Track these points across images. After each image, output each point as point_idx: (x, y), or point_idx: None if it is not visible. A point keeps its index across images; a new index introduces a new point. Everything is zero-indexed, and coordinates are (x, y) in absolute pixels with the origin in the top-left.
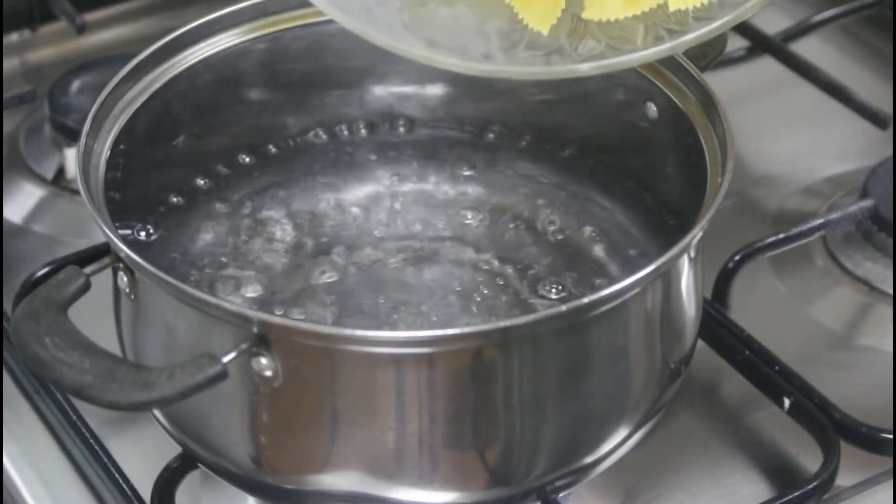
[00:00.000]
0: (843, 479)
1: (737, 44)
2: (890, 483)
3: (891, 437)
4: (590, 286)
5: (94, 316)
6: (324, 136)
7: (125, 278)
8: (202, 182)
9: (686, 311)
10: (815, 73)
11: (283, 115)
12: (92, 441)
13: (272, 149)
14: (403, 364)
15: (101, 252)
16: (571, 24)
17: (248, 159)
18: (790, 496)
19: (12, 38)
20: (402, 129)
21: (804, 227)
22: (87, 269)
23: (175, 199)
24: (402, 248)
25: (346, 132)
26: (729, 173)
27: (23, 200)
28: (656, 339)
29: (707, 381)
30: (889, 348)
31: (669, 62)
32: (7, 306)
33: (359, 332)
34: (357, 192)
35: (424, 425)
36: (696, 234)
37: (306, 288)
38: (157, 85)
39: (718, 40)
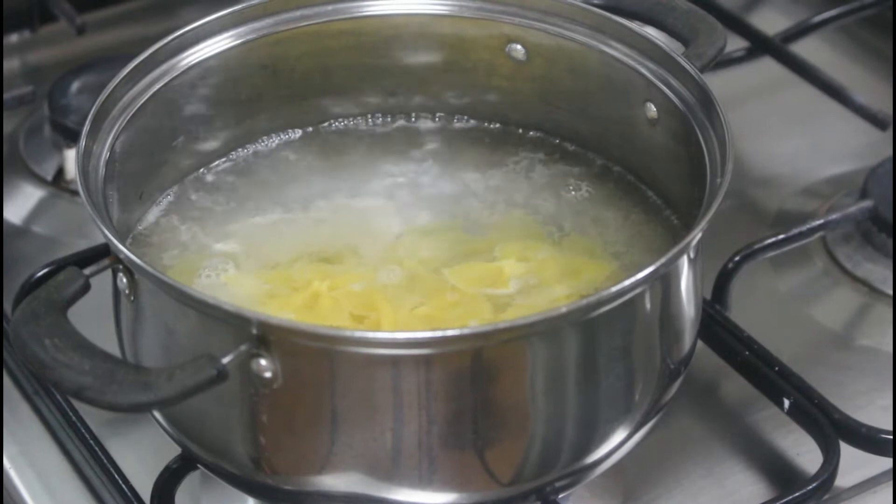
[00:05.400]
0: (843, 480)
1: (736, 44)
2: (890, 484)
3: (891, 437)
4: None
5: (93, 317)
6: (323, 136)
7: (125, 279)
8: (202, 182)
9: (686, 312)
10: (814, 74)
11: (283, 116)
12: (92, 442)
13: (272, 148)
14: (402, 365)
15: (101, 253)
16: None
17: (247, 159)
18: (790, 497)
19: (12, 38)
20: (400, 128)
21: (804, 228)
22: (87, 271)
23: (173, 199)
24: (404, 236)
25: (345, 132)
26: (728, 174)
27: (23, 201)
28: (656, 339)
29: (707, 381)
30: (889, 349)
31: (669, 62)
32: (7, 307)
33: (358, 333)
34: (358, 191)
35: (423, 426)
36: (695, 235)
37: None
38: (157, 86)
39: (718, 40)
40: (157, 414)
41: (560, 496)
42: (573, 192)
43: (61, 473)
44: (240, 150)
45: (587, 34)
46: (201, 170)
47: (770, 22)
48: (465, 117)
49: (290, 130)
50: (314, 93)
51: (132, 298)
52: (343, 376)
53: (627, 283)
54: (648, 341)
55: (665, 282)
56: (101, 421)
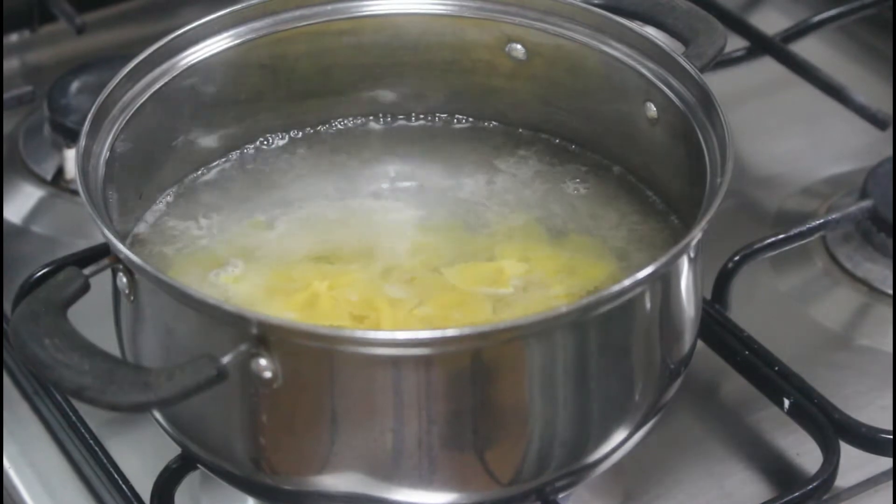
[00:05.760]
0: (843, 480)
1: (736, 44)
2: (890, 484)
3: (890, 437)
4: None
5: (93, 317)
6: (323, 136)
7: (124, 279)
8: (201, 182)
9: (686, 312)
10: (814, 74)
11: (282, 116)
12: (91, 442)
13: (272, 148)
14: (402, 365)
15: (101, 253)
16: None
17: (247, 159)
18: (790, 497)
19: (12, 38)
20: (400, 128)
21: (804, 228)
22: (87, 270)
23: (173, 199)
24: (404, 236)
25: (344, 132)
26: (728, 174)
27: (22, 201)
28: (656, 339)
29: (707, 381)
30: (889, 349)
31: (669, 62)
32: (7, 307)
33: (358, 333)
34: (358, 190)
35: (423, 426)
36: (695, 235)
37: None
38: (157, 86)
39: (718, 39)
40: (156, 414)
41: (560, 496)
42: (573, 192)
43: (61, 473)
44: (239, 149)
45: (587, 34)
46: (201, 170)
47: (770, 22)
48: (465, 117)
49: (289, 130)
50: (314, 93)
51: (132, 298)
52: (343, 376)
53: (627, 283)
54: (648, 341)
55: (665, 281)
56: (100, 421)
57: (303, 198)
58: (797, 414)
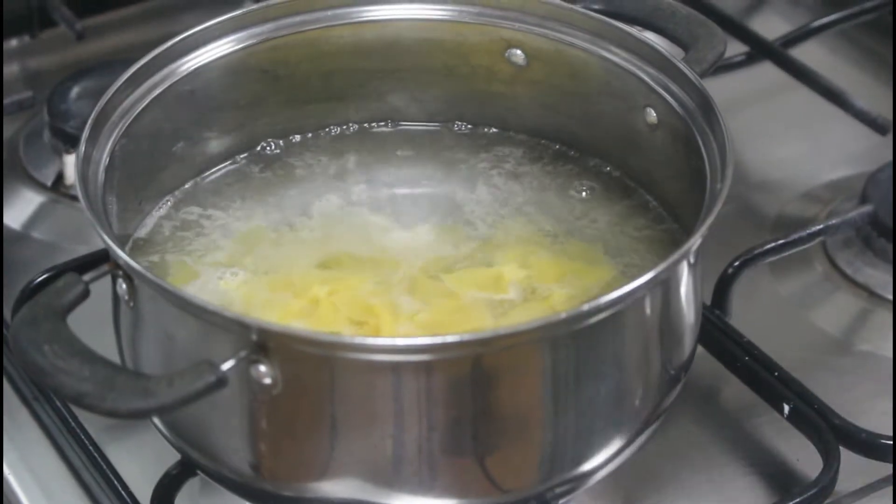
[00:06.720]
0: (843, 485)
1: (736, 49)
2: (890, 489)
3: (890, 442)
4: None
5: (93, 323)
6: (323, 141)
7: (124, 285)
8: (201, 187)
9: (685, 318)
10: (814, 79)
11: (282, 121)
12: (91, 448)
13: (272, 153)
14: (402, 371)
15: (100, 259)
16: None
17: (247, 165)
18: (790, 502)
19: (12, 43)
20: (400, 133)
21: (804, 233)
22: (86, 276)
23: (173, 205)
24: (404, 242)
25: (344, 137)
26: (728, 179)
27: (22, 206)
28: (656, 345)
29: (707, 387)
30: (889, 354)
31: (669, 67)
32: (6, 313)
33: (357, 340)
34: (358, 196)
35: (423, 433)
36: (695, 241)
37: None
38: (157, 91)
39: (718, 44)
40: (156, 420)
41: (560, 502)
42: (573, 197)
43: (60, 479)
44: (239, 155)
45: (587, 39)
46: (201, 175)
47: (770, 26)
48: (465, 123)
49: (289, 135)
50: (314, 98)
51: (132, 304)
52: (342, 382)
53: (627, 288)
54: (648, 347)
55: (665, 287)
56: (100, 427)
57: (303, 203)
58: (797, 419)
